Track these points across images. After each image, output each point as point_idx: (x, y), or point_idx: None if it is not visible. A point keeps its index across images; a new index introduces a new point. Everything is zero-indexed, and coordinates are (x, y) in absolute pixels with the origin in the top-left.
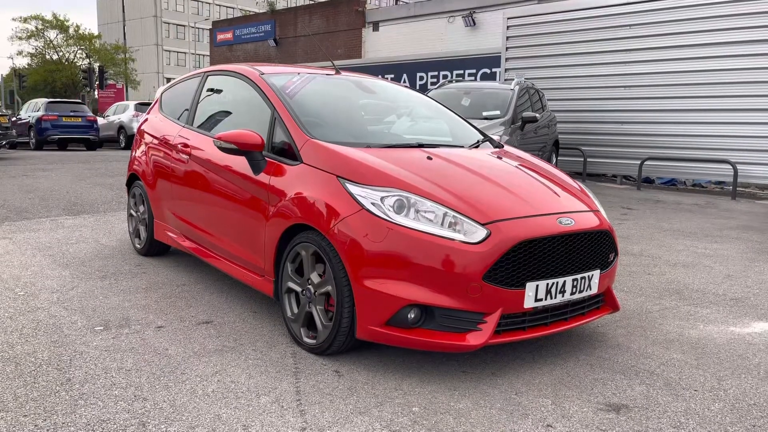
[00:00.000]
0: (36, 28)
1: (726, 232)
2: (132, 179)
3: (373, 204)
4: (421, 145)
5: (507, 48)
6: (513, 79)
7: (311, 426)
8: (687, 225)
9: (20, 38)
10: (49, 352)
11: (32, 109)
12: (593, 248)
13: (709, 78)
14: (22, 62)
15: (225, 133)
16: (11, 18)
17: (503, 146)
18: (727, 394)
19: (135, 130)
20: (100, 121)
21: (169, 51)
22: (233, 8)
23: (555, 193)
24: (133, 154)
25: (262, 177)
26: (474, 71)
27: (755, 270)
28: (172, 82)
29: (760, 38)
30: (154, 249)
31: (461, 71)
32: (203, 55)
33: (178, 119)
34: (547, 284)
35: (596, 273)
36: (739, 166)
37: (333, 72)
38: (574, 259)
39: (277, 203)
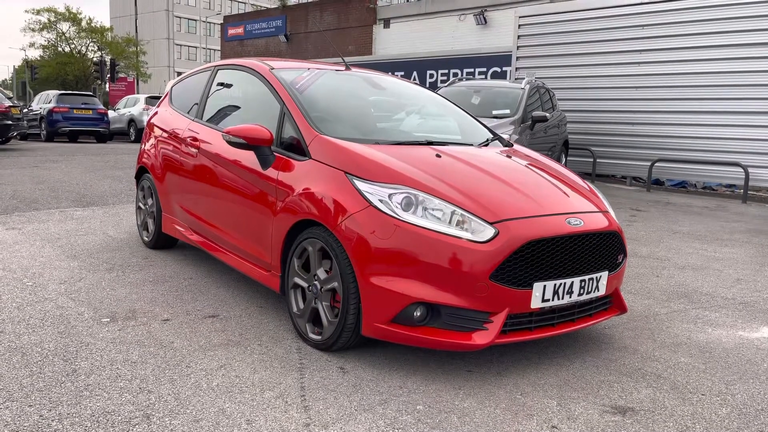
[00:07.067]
0: (48, 20)
1: (736, 235)
2: (141, 172)
3: (380, 201)
4: (430, 143)
5: (518, 47)
6: (524, 78)
7: (315, 422)
8: (697, 228)
9: (33, 30)
10: (56, 343)
11: (44, 101)
12: (602, 249)
13: (720, 80)
14: (35, 54)
15: (234, 128)
16: (24, 10)
17: (513, 145)
18: (735, 398)
19: (145, 124)
20: (111, 113)
21: (180, 45)
22: (245, 3)
23: (564, 193)
24: (143, 147)
25: (270, 172)
26: (485, 70)
27: (765, 274)
28: (182, 75)
29: None
30: (161, 242)
31: (472, 69)
32: (214, 50)
33: (188, 113)
34: (555, 285)
35: (604, 274)
36: (750, 170)
37: (343, 68)
38: (582, 260)
39: (285, 198)
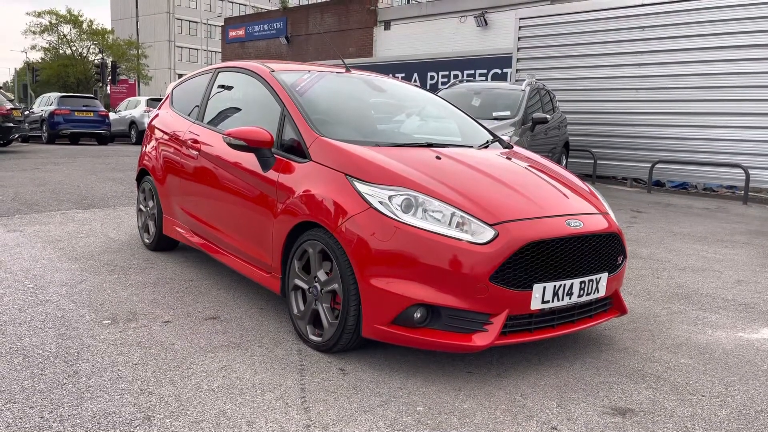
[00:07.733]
0: (50, 22)
1: (737, 237)
2: (142, 174)
3: (380, 203)
4: (430, 145)
5: (518, 48)
6: (524, 80)
7: (315, 423)
8: (697, 229)
9: (34, 32)
10: (57, 345)
11: (45, 103)
12: (601, 251)
13: (721, 81)
14: (36, 56)
15: (234, 130)
16: (25, 12)
17: (513, 147)
18: (735, 400)
19: (146, 126)
20: (112, 116)
21: (182, 47)
22: (245, 5)
23: (564, 194)
24: (144, 149)
25: (271, 174)
26: (485, 71)
27: (766, 276)
28: (183, 78)
29: None
30: (162, 244)
31: (472, 71)
32: (215, 52)
33: (189, 115)
34: (555, 286)
35: (604, 276)
36: (750, 171)
37: (343, 70)
38: (582, 261)
39: (286, 200)
